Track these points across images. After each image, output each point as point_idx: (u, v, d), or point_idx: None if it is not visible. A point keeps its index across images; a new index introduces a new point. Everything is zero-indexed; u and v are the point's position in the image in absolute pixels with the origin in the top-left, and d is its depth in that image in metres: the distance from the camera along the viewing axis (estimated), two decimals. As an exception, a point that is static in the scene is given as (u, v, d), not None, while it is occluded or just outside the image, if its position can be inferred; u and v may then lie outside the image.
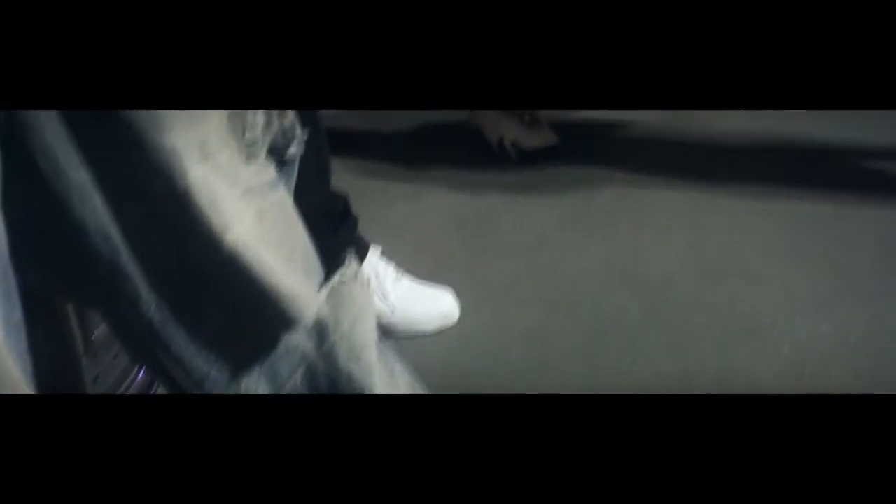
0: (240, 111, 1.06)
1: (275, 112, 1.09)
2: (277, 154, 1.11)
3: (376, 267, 2.27)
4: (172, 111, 1.01)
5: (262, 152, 1.08)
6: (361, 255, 2.25)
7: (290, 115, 1.11)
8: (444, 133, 3.13)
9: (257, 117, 1.07)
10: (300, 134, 1.12)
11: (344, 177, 2.68)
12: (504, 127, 2.99)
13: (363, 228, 2.28)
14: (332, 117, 2.91)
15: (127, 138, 1.00)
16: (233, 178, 1.05)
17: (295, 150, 1.12)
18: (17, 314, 1.03)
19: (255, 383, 1.14)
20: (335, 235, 2.17)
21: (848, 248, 2.47)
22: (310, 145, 1.92)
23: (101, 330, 1.53)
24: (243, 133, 1.06)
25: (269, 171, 1.10)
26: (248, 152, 1.07)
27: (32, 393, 1.04)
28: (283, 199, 1.11)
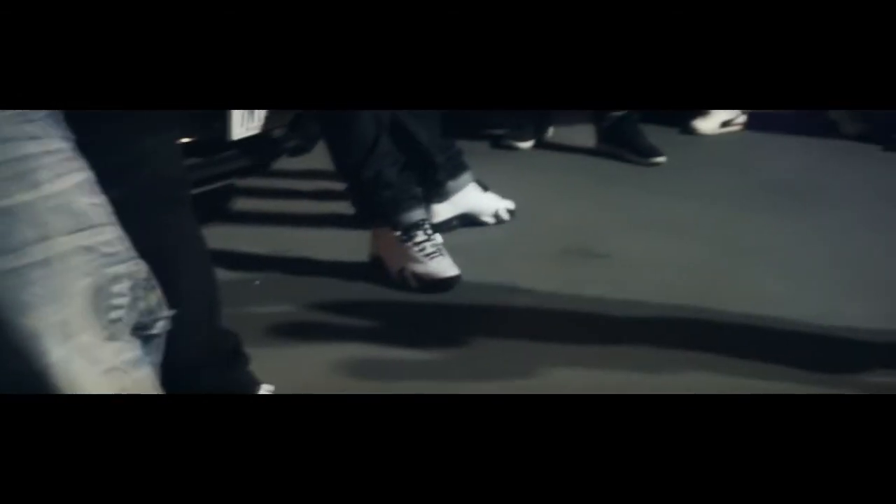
0: (104, 290, 1.05)
1: (141, 290, 1.09)
2: (142, 331, 1.10)
3: (268, 406, 2.25)
4: (34, 293, 1.00)
5: (126, 331, 1.07)
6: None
7: (157, 293, 1.11)
8: (341, 263, 3.12)
9: (122, 298, 1.06)
10: (167, 312, 1.12)
11: (236, 310, 2.67)
12: (405, 258, 3.00)
13: (255, 367, 2.25)
14: (224, 241, 2.90)
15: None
16: (94, 357, 1.04)
17: (162, 326, 1.12)
18: None
19: None
20: (224, 375, 2.15)
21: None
22: (195, 286, 1.91)
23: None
24: (106, 313, 1.05)
25: (134, 349, 1.09)
26: (111, 331, 1.06)
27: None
28: (146, 377, 1.10)
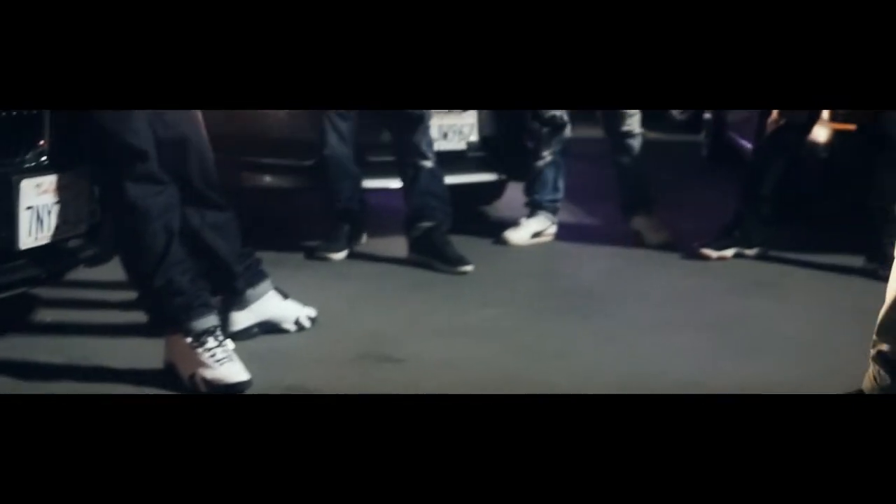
0: None
1: None
2: None
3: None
4: None
5: None
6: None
7: None
8: (136, 371, 3.12)
9: None
10: None
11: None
12: (196, 363, 3.02)
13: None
14: (18, 352, 2.85)
15: None
16: None
17: None
18: None
19: None
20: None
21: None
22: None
23: None
24: None
25: None
26: None
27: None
28: None
